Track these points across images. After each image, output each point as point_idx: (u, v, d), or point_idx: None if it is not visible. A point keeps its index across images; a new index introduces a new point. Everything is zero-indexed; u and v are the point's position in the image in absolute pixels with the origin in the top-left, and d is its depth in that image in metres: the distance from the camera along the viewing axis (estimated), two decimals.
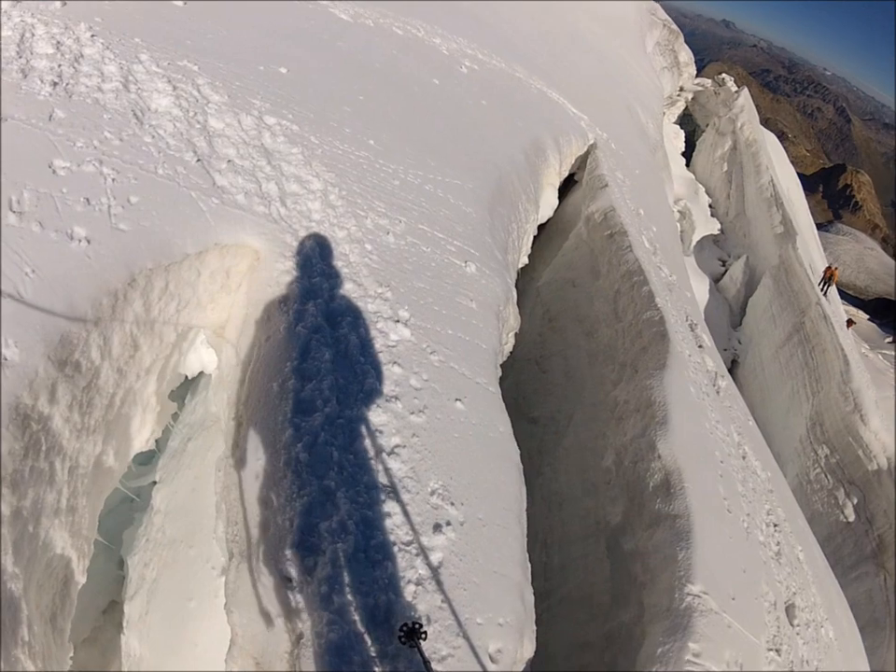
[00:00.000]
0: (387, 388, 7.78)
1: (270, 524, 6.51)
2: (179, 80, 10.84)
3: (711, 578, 9.97)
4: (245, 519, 6.87)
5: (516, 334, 12.01)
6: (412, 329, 8.69)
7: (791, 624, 11.16)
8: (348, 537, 6.25)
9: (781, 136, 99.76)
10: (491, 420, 8.49)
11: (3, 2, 10.58)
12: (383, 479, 6.90)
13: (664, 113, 49.84)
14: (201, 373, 9.95)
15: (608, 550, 12.04)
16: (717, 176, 55.80)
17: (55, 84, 9.14)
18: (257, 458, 7.03)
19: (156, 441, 8.89)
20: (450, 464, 7.48)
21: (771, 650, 10.11)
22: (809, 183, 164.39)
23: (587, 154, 23.01)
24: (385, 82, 15.94)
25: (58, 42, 10.17)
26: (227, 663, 6.55)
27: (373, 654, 5.74)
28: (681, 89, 64.18)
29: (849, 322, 43.89)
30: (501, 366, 10.44)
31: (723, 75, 67.33)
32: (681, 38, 64.33)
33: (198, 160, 9.33)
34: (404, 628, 5.35)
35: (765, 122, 67.26)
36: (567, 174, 21.85)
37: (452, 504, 7.09)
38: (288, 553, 6.19)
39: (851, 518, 28.41)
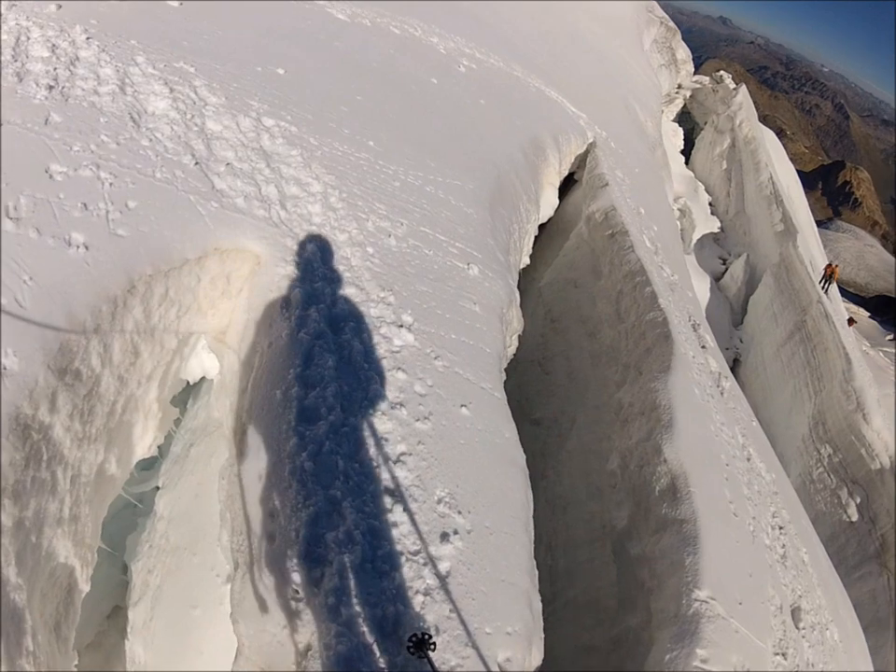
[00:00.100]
0: (392, 395, 7.69)
1: (275, 534, 6.43)
2: (176, 82, 10.75)
3: (718, 583, 9.93)
4: (250, 529, 6.79)
5: (519, 335, 11.92)
6: (415, 334, 8.59)
7: (797, 628, 11.14)
8: (355, 547, 6.16)
9: (780, 133, 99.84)
10: (497, 426, 8.40)
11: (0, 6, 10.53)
12: (389, 487, 6.82)
13: (662, 111, 49.81)
14: (202, 378, 9.87)
15: (613, 554, 11.99)
16: (716, 174, 55.80)
17: (51, 88, 9.07)
18: (261, 468, 6.94)
19: (158, 446, 8.79)
20: (456, 471, 7.39)
21: (777, 654, 10.08)
22: (808, 180, 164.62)
23: (587, 153, 22.97)
24: (382, 82, 15.88)
25: (53, 45, 10.10)
26: None
27: (382, 666, 5.66)
28: (679, 86, 64.19)
29: (850, 321, 43.84)
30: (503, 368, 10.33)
31: (721, 72, 67.35)
32: (679, 36, 64.31)
33: (196, 163, 9.24)
34: (413, 639, 5.27)
35: (764, 119, 67.25)
36: (566, 173, 21.79)
37: (459, 512, 7.00)
38: (295, 564, 6.11)
39: (854, 518, 28.36)
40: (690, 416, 12.42)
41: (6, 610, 5.09)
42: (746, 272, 44.52)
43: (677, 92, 63.54)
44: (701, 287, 39.11)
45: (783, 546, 12.46)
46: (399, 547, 6.42)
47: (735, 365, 38.65)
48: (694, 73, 69.04)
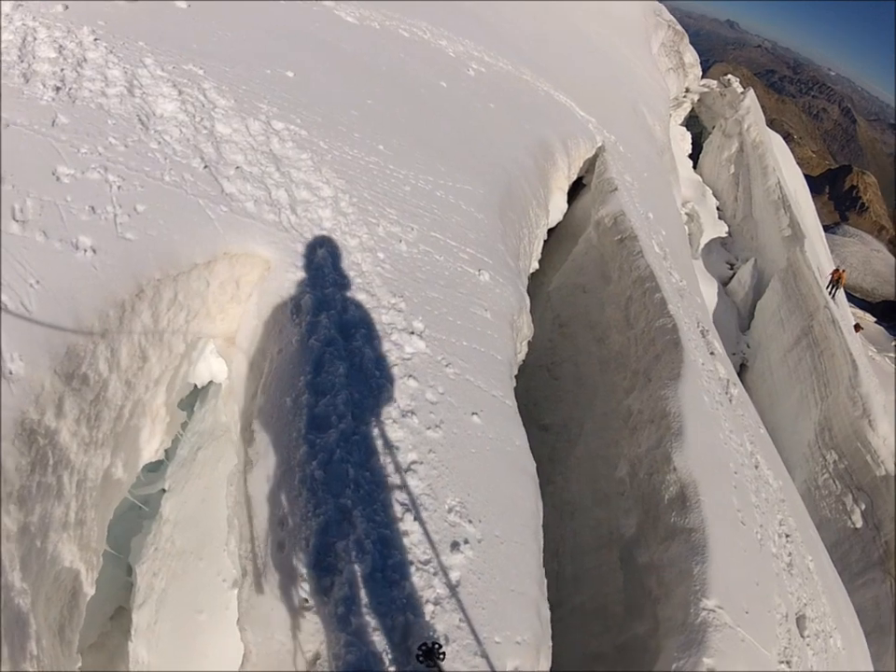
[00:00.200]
0: (403, 403, 7.63)
1: (285, 543, 6.39)
2: (185, 85, 10.72)
3: (726, 592, 9.94)
4: (258, 537, 6.76)
5: (528, 341, 11.88)
6: (426, 341, 8.54)
7: (802, 636, 11.15)
8: (365, 556, 6.12)
9: (787, 137, 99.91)
10: (507, 434, 8.34)
11: (3, 5, 10.49)
12: (399, 496, 6.77)
13: (670, 115, 49.77)
14: (210, 382, 9.84)
15: (621, 561, 11.96)
16: (724, 179, 55.69)
17: (58, 89, 9.03)
18: (270, 476, 6.91)
19: (165, 450, 8.76)
20: (467, 480, 7.34)
21: (782, 662, 10.11)
22: (815, 184, 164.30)
23: (595, 157, 22.92)
24: (392, 85, 15.85)
25: (60, 46, 10.06)
26: None
27: None
28: (687, 90, 64.10)
29: (857, 326, 43.81)
30: None
31: (729, 76, 67.21)
32: (686, 39, 64.28)
33: (205, 166, 9.19)
34: (423, 648, 5.25)
35: (771, 123, 67.11)
36: (575, 177, 21.78)
37: (469, 521, 6.95)
38: (304, 572, 6.08)
39: (859, 524, 28.29)
40: (699, 424, 12.38)
41: (10, 615, 5.07)
42: (753, 276, 44.43)
43: (684, 96, 63.47)
44: (708, 292, 39.05)
45: (789, 554, 12.46)
46: (409, 556, 6.38)
47: (741, 370, 38.61)
48: (702, 77, 68.94)
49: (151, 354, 7.63)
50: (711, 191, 55.28)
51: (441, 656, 5.22)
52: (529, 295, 12.19)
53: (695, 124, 63.97)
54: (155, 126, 9.37)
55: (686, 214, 45.49)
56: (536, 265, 15.64)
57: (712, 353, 16.29)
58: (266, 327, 8.32)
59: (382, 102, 14.28)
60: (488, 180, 13.74)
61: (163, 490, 11.24)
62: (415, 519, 6.64)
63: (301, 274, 8.52)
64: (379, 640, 5.75)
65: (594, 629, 11.60)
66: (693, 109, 64.62)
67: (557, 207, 18.61)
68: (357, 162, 11.24)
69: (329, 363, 7.53)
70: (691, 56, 64.31)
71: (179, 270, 7.71)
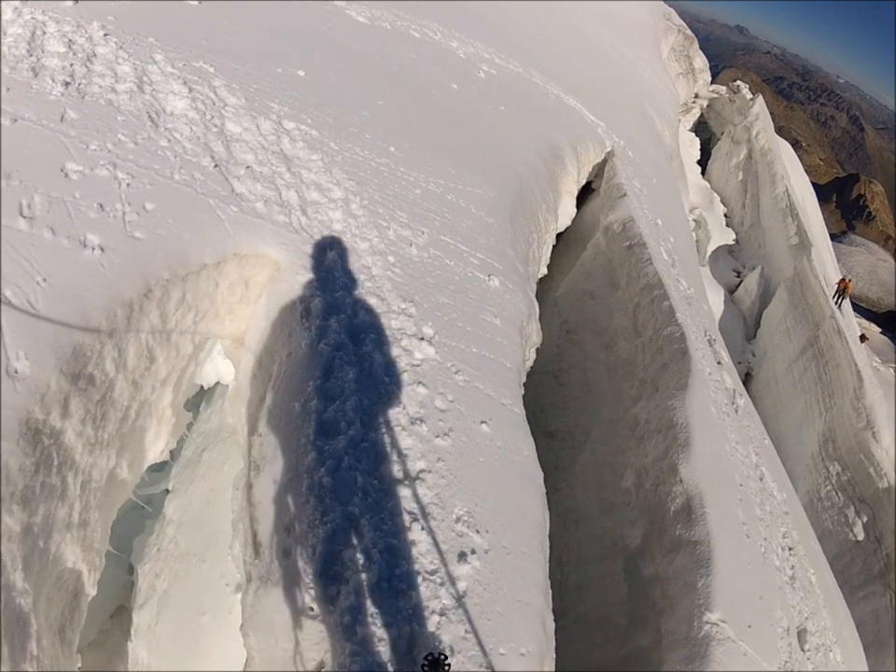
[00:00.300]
0: (412, 410, 7.58)
1: (291, 550, 6.32)
2: (195, 82, 10.70)
3: (729, 605, 9.95)
4: (264, 543, 6.68)
5: (536, 348, 11.84)
6: (436, 348, 8.49)
7: (802, 650, 11.17)
8: (372, 566, 6.08)
9: (795, 145, 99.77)
10: (516, 443, 8.30)
11: None
12: (407, 505, 6.72)
13: (679, 120, 49.78)
14: (217, 383, 9.78)
15: (625, 572, 11.92)
16: (732, 185, 55.64)
17: (67, 84, 9.01)
18: (278, 481, 6.84)
19: (170, 451, 8.71)
20: (475, 489, 7.29)
21: None
22: (823, 193, 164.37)
23: (604, 162, 22.93)
24: (403, 86, 15.84)
25: (70, 41, 10.06)
26: None
27: None
28: (696, 95, 64.17)
29: (862, 337, 43.69)
30: None
31: (738, 82, 67.29)
32: (696, 44, 64.43)
33: (216, 165, 9.14)
34: (428, 658, 5.19)
35: (779, 130, 67.15)
36: (584, 181, 21.74)
37: (477, 531, 6.91)
38: (310, 580, 6.02)
39: (861, 537, 28.18)
40: (706, 435, 12.34)
41: (11, 615, 5.03)
42: (760, 285, 44.37)
43: (694, 102, 63.52)
44: (715, 300, 38.98)
45: (792, 567, 12.45)
46: (416, 566, 6.33)
47: (746, 379, 38.50)
48: (711, 82, 69.01)
49: (158, 354, 7.57)
50: (719, 198, 55.27)
51: (447, 667, 5.18)
52: (537, 300, 12.14)
53: (704, 130, 63.97)
54: (165, 123, 9.35)
55: (694, 220, 45.53)
56: (545, 270, 15.60)
57: (719, 362, 16.24)
58: (275, 329, 8.26)
59: (393, 103, 14.26)
60: (498, 184, 13.71)
61: (167, 490, 11.20)
62: (423, 529, 6.60)
63: (310, 277, 8.46)
64: (384, 650, 5.72)
65: (596, 639, 11.56)
66: (702, 115, 64.62)
67: (566, 212, 18.59)
68: (367, 164, 11.20)
69: (338, 368, 7.49)
70: (700, 61, 64.44)
71: (188, 270, 7.66)
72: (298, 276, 8.43)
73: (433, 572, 6.36)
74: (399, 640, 5.80)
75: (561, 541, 13.27)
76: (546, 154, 17.69)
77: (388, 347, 8.09)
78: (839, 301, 38.78)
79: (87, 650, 10.07)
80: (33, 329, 5.85)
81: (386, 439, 7.14)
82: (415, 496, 6.83)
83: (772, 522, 12.78)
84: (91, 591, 6.84)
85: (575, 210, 19.65)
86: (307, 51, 14.44)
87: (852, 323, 45.74)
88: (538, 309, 11.63)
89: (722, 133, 60.30)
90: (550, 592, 7.28)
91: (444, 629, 6.04)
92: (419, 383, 7.89)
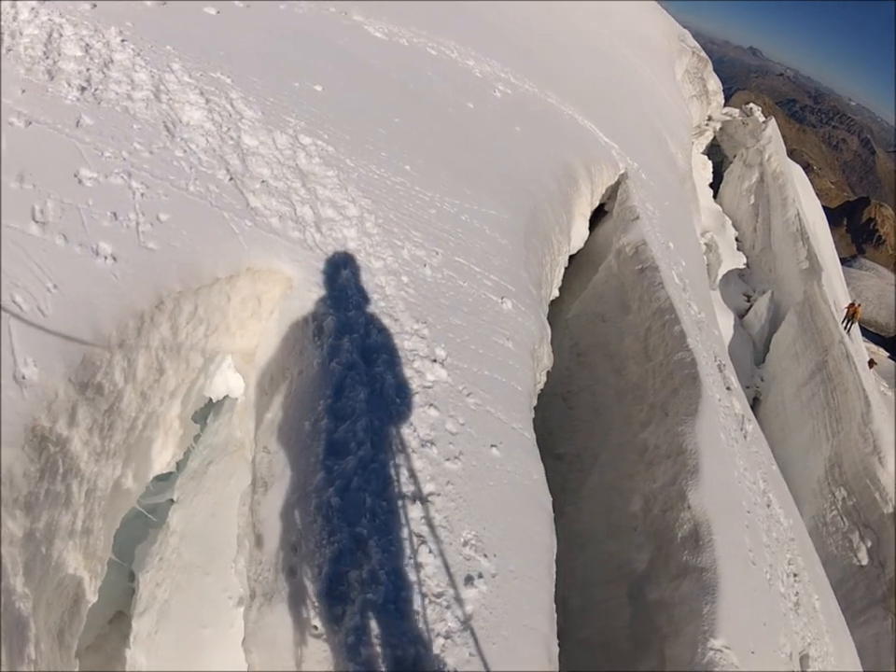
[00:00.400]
0: (423, 432, 7.54)
1: (297, 569, 6.30)
2: (212, 93, 10.72)
3: (734, 632, 9.95)
4: (269, 560, 6.66)
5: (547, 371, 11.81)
6: (448, 370, 8.46)
7: None
8: (378, 587, 6.04)
9: (806, 168, 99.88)
10: (526, 467, 8.26)
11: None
12: (416, 528, 6.69)
13: (692, 143, 49.77)
14: (226, 396, 9.77)
15: (630, 597, 11.88)
16: (744, 209, 55.61)
17: (83, 89, 9.05)
18: (285, 499, 6.82)
19: (177, 462, 8.70)
20: (484, 513, 7.26)
21: None
22: (833, 216, 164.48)
23: (618, 184, 22.87)
24: (420, 104, 15.85)
25: (87, 45, 10.11)
26: None
27: None
28: (710, 118, 64.18)
29: (871, 362, 43.63)
30: None
31: (751, 104, 67.34)
32: (710, 66, 64.51)
33: (231, 178, 9.14)
34: None
35: (791, 154, 67.15)
36: (597, 203, 21.72)
37: (484, 555, 6.87)
38: (316, 600, 5.99)
39: (864, 562, 28.10)
40: (715, 462, 12.32)
41: (10, 619, 5.02)
42: (770, 309, 44.32)
43: (707, 124, 63.53)
44: (724, 324, 38.93)
45: (796, 594, 12.46)
46: (422, 588, 6.30)
47: (754, 403, 38.40)
48: (724, 104, 69.05)
49: (168, 367, 7.55)
50: (731, 222, 55.22)
51: None
52: (548, 322, 12.12)
53: (717, 153, 63.97)
54: (181, 134, 9.36)
55: (705, 244, 45.48)
56: (556, 293, 15.59)
57: (728, 388, 16.22)
58: (286, 346, 8.24)
59: (409, 121, 14.26)
60: (513, 205, 13.69)
61: (171, 500, 11.18)
62: (431, 551, 6.57)
63: (323, 295, 8.45)
64: None
65: (599, 663, 11.52)
66: (714, 137, 64.62)
67: (579, 234, 18.55)
68: (383, 182, 11.20)
69: (349, 388, 7.47)
70: (714, 83, 64.52)
71: (201, 283, 7.65)
72: (311, 293, 8.41)
73: (439, 595, 6.33)
74: (403, 662, 5.75)
75: (566, 564, 13.19)
76: (560, 175, 17.68)
77: (400, 368, 8.06)
78: (848, 326, 38.81)
79: (84, 653, 10.04)
80: (42, 335, 5.86)
81: (396, 460, 7.11)
82: (424, 518, 6.80)
83: (778, 548, 12.76)
84: (91, 597, 6.83)
85: (588, 232, 19.63)
86: (325, 66, 14.45)
87: (861, 348, 45.63)
88: (549, 332, 11.62)
89: (735, 156, 60.31)
90: (555, 616, 7.24)
91: (449, 652, 6.00)
92: (430, 405, 7.87)
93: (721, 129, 64.78)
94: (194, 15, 13.46)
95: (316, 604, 5.97)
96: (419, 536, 6.65)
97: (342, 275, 8.77)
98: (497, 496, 7.55)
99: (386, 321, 8.54)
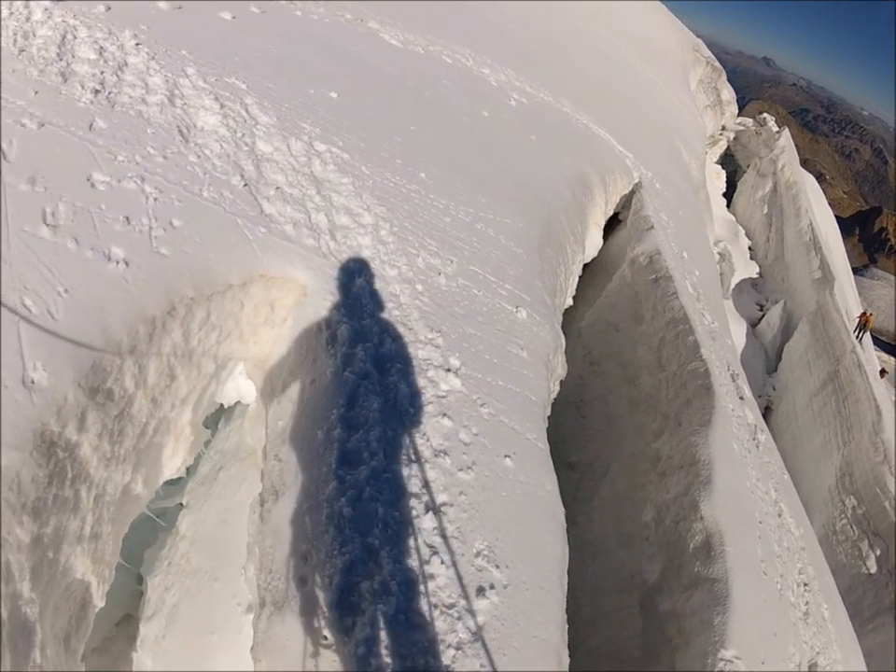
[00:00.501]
0: (436, 442, 7.49)
1: (308, 579, 6.26)
2: (227, 98, 10.69)
3: (744, 643, 9.95)
4: (279, 570, 6.62)
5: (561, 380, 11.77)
6: (462, 380, 8.40)
7: None
8: (390, 598, 6.00)
9: (819, 178, 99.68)
10: (539, 478, 8.21)
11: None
12: (428, 538, 6.64)
13: (706, 152, 49.74)
14: (237, 402, 9.73)
15: (640, 606, 11.85)
16: (757, 218, 55.60)
17: (97, 92, 9.04)
18: (297, 509, 6.79)
19: (187, 468, 8.67)
20: (496, 524, 7.20)
21: None
22: (846, 226, 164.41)
23: (632, 193, 22.84)
24: (435, 112, 15.82)
25: (101, 48, 10.09)
26: None
27: None
28: (723, 128, 64.17)
29: (882, 372, 43.55)
30: None
31: (765, 114, 67.33)
32: (724, 76, 64.50)
33: (245, 184, 9.10)
34: None
35: (804, 163, 67.05)
36: (611, 213, 21.68)
37: (496, 566, 6.82)
38: (326, 610, 5.95)
39: (873, 570, 28.09)
40: (728, 472, 12.28)
41: (17, 623, 5.01)
42: (782, 319, 44.33)
43: (721, 134, 63.52)
44: (737, 333, 38.94)
45: (806, 603, 12.41)
46: (434, 599, 6.25)
47: (766, 412, 38.43)
48: (738, 114, 69.03)
49: (180, 373, 7.52)
50: (744, 231, 55.21)
51: None
52: (562, 330, 12.09)
53: (730, 162, 63.97)
54: (195, 139, 9.34)
55: (718, 253, 45.44)
56: (570, 302, 15.54)
57: (741, 398, 16.17)
58: (300, 354, 8.20)
59: (424, 129, 14.24)
60: (528, 214, 13.64)
61: (181, 505, 11.16)
62: (442, 562, 6.52)
63: (338, 303, 8.40)
64: None
65: None
66: (728, 147, 64.59)
67: (593, 243, 18.52)
68: (398, 190, 11.15)
69: (363, 397, 7.42)
70: (728, 93, 64.53)
71: (214, 290, 7.61)
72: (325, 301, 8.37)
73: (451, 606, 6.29)
74: None
75: (577, 573, 13.16)
76: (575, 184, 17.64)
77: (414, 378, 8.01)
78: (860, 335, 38.85)
79: (90, 655, 10.01)
80: (52, 340, 5.84)
81: (409, 471, 7.06)
82: (436, 529, 6.75)
83: (789, 558, 12.73)
84: (98, 602, 6.79)
85: (602, 241, 19.61)
86: (340, 73, 14.43)
87: (872, 357, 45.65)
88: (564, 342, 11.57)
89: (748, 166, 60.30)
90: (566, 627, 7.19)
91: (460, 663, 5.96)
92: (444, 415, 7.81)
93: (734, 139, 64.77)
94: (209, 19, 13.45)
95: (327, 614, 5.93)
96: (431, 546, 6.61)
97: (356, 283, 8.72)
98: (509, 506, 7.50)
99: (401, 330, 8.49)
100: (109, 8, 11.22)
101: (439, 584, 6.38)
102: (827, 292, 40.00)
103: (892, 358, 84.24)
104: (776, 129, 61.21)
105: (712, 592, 10.48)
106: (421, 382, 8.03)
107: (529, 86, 23.43)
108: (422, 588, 6.26)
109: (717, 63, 64.13)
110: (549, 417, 10.15)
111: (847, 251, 64.66)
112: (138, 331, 6.63)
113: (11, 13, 9.92)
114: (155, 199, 7.81)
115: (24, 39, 9.41)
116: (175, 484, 11.10)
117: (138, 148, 8.38)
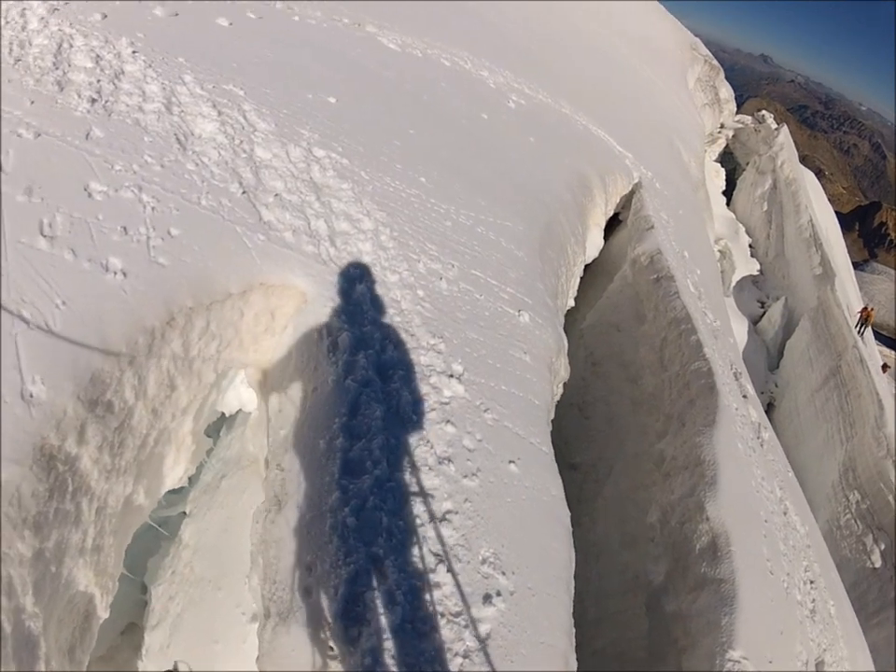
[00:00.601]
0: (440, 449, 7.43)
1: (312, 589, 6.23)
2: (225, 105, 10.65)
3: (751, 643, 9.94)
4: (284, 580, 6.58)
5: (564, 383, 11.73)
6: (465, 385, 8.34)
7: None
8: (395, 607, 5.96)
9: (818, 174, 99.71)
10: (544, 483, 8.15)
11: (39, 7, 10.48)
12: (433, 547, 6.59)
13: (705, 151, 49.73)
14: (238, 411, 9.70)
15: (646, 608, 11.83)
16: (757, 216, 55.58)
17: (94, 100, 9.00)
18: (300, 519, 6.75)
19: (189, 477, 8.64)
20: (502, 530, 7.15)
21: None
22: (846, 221, 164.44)
23: (632, 193, 22.83)
24: (434, 115, 15.80)
25: (97, 56, 10.07)
26: None
27: None
28: (722, 126, 64.18)
29: (884, 367, 43.57)
30: None
31: (763, 112, 67.32)
32: (722, 74, 64.57)
33: (244, 192, 9.03)
34: None
35: (803, 160, 67.00)
36: (612, 213, 21.64)
37: (503, 573, 6.78)
38: (331, 621, 5.91)
39: (878, 564, 28.17)
40: (733, 472, 12.25)
41: (20, 637, 4.98)
42: (784, 315, 44.33)
43: (719, 132, 63.50)
44: (738, 330, 38.86)
45: (813, 601, 12.42)
46: (440, 608, 6.20)
47: (769, 409, 38.42)
48: (737, 112, 69.06)
49: (180, 383, 7.46)
50: (744, 229, 55.17)
51: None
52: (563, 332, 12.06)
53: (729, 160, 63.93)
54: (193, 146, 9.28)
55: (719, 251, 45.41)
56: (572, 303, 15.48)
57: (745, 396, 16.13)
58: (301, 362, 8.16)
59: (424, 132, 14.20)
60: (528, 217, 13.58)
61: (184, 513, 11.14)
62: (448, 570, 6.48)
63: (338, 310, 8.33)
64: None
65: None
66: (727, 145, 64.58)
67: (594, 244, 18.46)
68: (398, 195, 11.09)
69: (365, 405, 7.37)
70: (726, 91, 64.56)
71: (213, 299, 7.55)
72: (325, 308, 8.31)
73: (457, 614, 6.24)
74: None
75: (581, 574, 13.05)
76: (575, 185, 17.59)
77: (417, 385, 7.95)
78: (861, 330, 38.88)
79: (95, 663, 10.01)
80: (50, 353, 5.80)
81: (413, 479, 7.01)
82: (441, 537, 6.71)
83: (794, 556, 12.74)
84: (102, 614, 6.76)
85: (602, 242, 19.55)
86: (338, 77, 14.39)
87: (874, 352, 45.63)
88: (566, 344, 11.51)
89: (747, 164, 60.26)
90: (573, 631, 7.15)
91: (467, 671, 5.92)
92: (447, 421, 7.75)
93: (733, 136, 64.74)
94: (206, 26, 13.42)
95: (332, 625, 5.90)
96: (437, 555, 6.56)
97: (357, 290, 8.66)
98: (515, 512, 7.45)
99: (402, 336, 8.43)
100: (106, 16, 11.20)
101: (445, 593, 6.34)
102: (828, 288, 40.02)
103: (894, 353, 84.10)
104: (774, 126, 61.18)
105: (719, 592, 10.46)
106: (424, 388, 7.97)
107: (528, 87, 23.42)
108: (428, 597, 6.21)
109: (714, 61, 64.19)
110: (552, 419, 10.11)
111: (846, 246, 64.63)
112: (137, 342, 6.58)
113: (7, 22, 9.91)
114: (153, 208, 7.75)
115: (20, 49, 9.38)
116: (177, 493, 11.04)
117: (135, 157, 8.33)
